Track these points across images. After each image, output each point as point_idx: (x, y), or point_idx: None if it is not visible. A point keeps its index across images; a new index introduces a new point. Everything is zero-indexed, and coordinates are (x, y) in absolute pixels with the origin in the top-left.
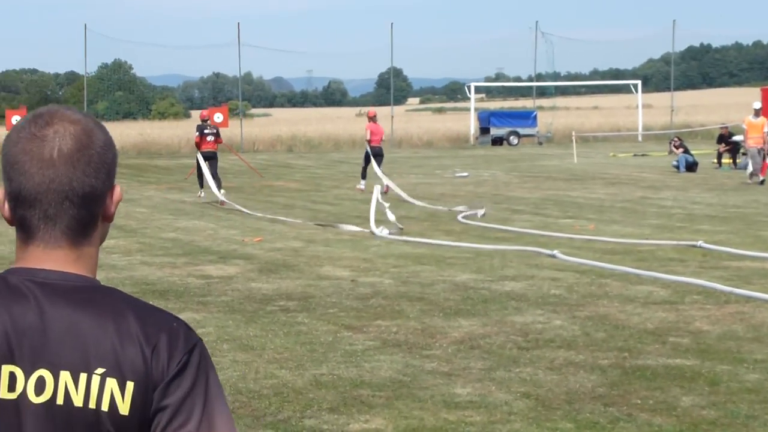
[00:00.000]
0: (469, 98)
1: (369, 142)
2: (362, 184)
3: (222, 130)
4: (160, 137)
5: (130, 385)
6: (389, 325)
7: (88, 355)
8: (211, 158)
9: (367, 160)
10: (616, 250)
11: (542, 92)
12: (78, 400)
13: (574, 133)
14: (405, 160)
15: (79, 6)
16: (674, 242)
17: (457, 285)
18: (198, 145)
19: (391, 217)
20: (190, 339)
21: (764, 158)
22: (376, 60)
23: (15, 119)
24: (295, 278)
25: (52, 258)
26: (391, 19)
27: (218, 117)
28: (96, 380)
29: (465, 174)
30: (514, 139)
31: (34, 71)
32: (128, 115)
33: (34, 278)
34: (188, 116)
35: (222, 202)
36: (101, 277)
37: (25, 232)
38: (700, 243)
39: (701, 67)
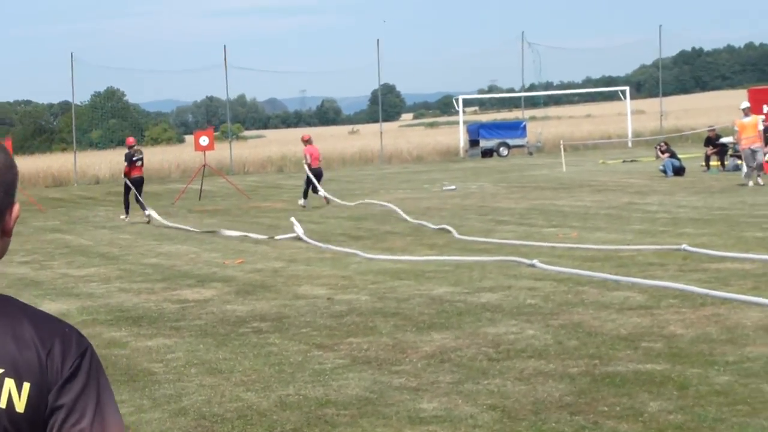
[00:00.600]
0: (457, 111)
1: (309, 165)
2: (303, 202)
3: (211, 154)
4: (150, 163)
5: (26, 386)
6: (361, 342)
7: None
8: (140, 184)
9: (308, 182)
10: (597, 257)
11: (534, 102)
12: None
13: (562, 142)
14: (394, 176)
15: (66, 36)
16: (657, 246)
17: (433, 299)
18: (128, 173)
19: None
20: (81, 344)
21: (765, 157)
22: (369, 77)
23: None
24: (271, 299)
25: None
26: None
27: (204, 140)
28: None
29: (453, 187)
30: (504, 151)
31: (28, 102)
32: (122, 143)
33: None
34: (182, 141)
35: (149, 217)
36: (77, 305)
37: None
38: (684, 246)
39: (693, 71)
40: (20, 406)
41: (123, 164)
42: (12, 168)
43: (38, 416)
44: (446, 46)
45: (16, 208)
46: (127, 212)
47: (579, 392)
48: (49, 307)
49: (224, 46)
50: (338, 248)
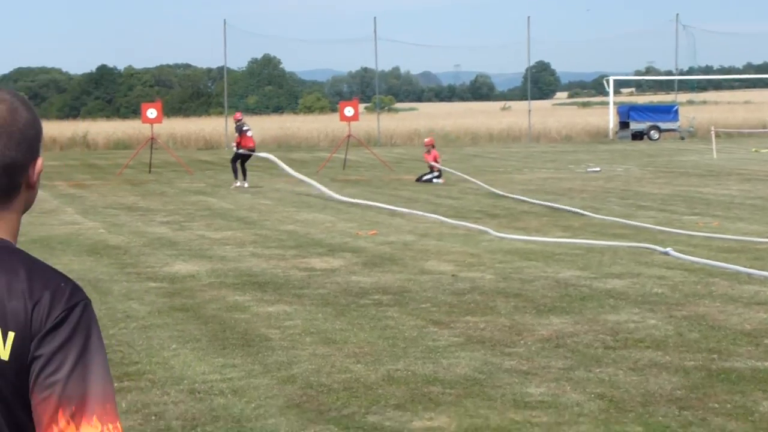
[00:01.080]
0: (613, 92)
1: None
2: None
3: (357, 124)
4: (300, 131)
5: (11, 335)
6: (478, 321)
7: None
8: (250, 154)
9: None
10: (734, 248)
11: (688, 86)
12: None
13: (713, 128)
14: (540, 155)
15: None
16: None
17: (558, 282)
18: (240, 143)
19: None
20: (73, 297)
21: None
22: (524, 54)
23: (150, 113)
24: (397, 272)
25: None
26: (530, 12)
27: (349, 111)
28: None
29: (597, 169)
30: (654, 134)
31: (187, 66)
32: (277, 109)
33: None
34: (335, 110)
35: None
36: (207, 267)
37: None
38: None
39: None
40: (4, 355)
41: (235, 135)
42: (35, 124)
43: (22, 365)
44: (604, 25)
45: (39, 162)
46: (236, 177)
47: (691, 386)
48: (180, 268)
49: (374, 18)
50: (471, 225)
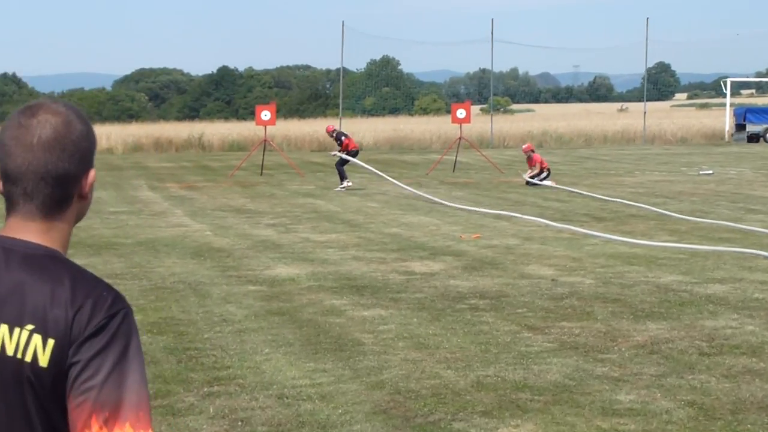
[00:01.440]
0: (732, 93)
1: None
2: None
3: (470, 126)
4: (413, 133)
5: (51, 342)
6: (573, 326)
7: (24, 313)
8: (356, 155)
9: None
10: None
11: None
12: (10, 350)
13: None
14: (653, 157)
15: (339, 4)
16: None
17: (658, 287)
18: (347, 147)
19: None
20: (115, 306)
21: None
22: (642, 55)
23: (264, 114)
24: (496, 276)
25: (26, 229)
26: (650, 12)
27: (461, 113)
28: (25, 335)
29: (710, 172)
30: None
31: (306, 67)
32: (393, 111)
33: (2, 244)
34: (449, 111)
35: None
36: (308, 270)
37: (9, 205)
38: None
39: None
40: (44, 361)
41: (337, 145)
42: (88, 136)
43: (59, 371)
44: (725, 25)
45: (92, 174)
46: (344, 178)
47: None
48: (281, 271)
49: (492, 19)
50: (575, 228)
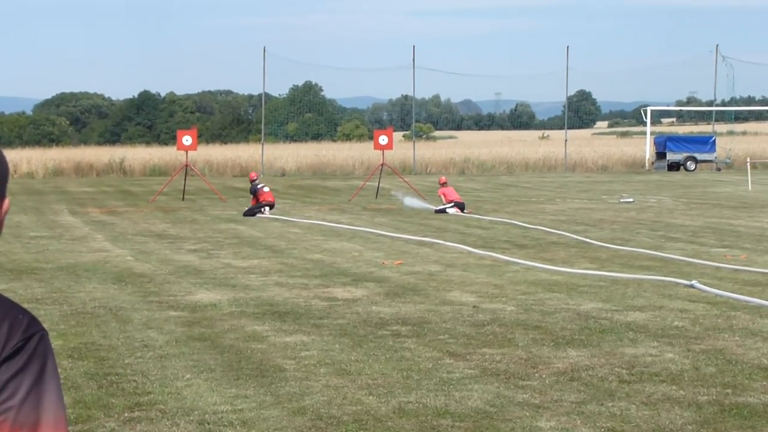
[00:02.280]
0: (653, 122)
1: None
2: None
3: (393, 153)
4: (336, 159)
5: None
6: (494, 353)
7: None
8: (272, 207)
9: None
10: (760, 281)
11: (725, 117)
12: None
13: (749, 160)
14: (574, 185)
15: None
16: None
17: (579, 314)
18: (261, 201)
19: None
20: (31, 328)
21: None
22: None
23: (186, 140)
24: (419, 303)
25: None
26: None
27: (383, 139)
28: None
29: (630, 200)
30: (691, 165)
31: (228, 92)
32: (316, 137)
33: None
34: (371, 138)
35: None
36: (230, 296)
37: None
38: None
39: None
40: None
41: (251, 197)
42: (2, 164)
43: None
44: (644, 55)
45: (6, 202)
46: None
47: (703, 421)
48: (203, 296)
49: (413, 46)
50: (497, 255)
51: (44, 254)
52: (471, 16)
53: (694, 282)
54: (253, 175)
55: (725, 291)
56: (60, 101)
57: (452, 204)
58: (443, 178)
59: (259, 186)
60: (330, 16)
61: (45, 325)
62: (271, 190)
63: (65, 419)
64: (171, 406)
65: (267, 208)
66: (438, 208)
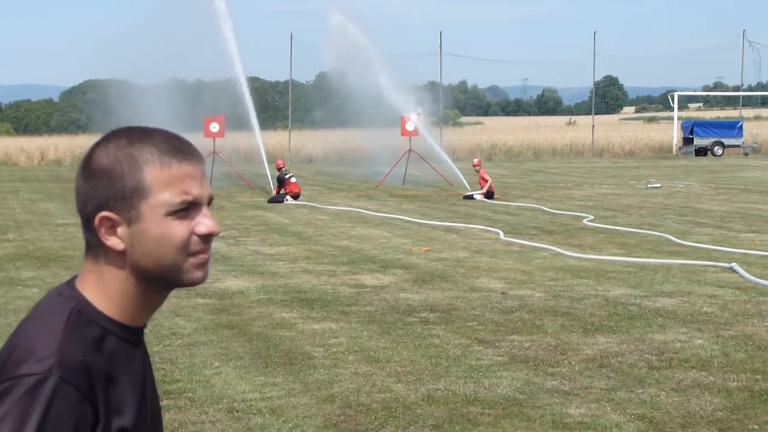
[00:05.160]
0: (680, 107)
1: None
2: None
3: (419, 138)
4: (363, 144)
5: None
6: (523, 340)
7: None
8: (297, 198)
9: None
10: None
11: (755, 102)
12: None
13: None
14: (602, 170)
15: (288, 16)
16: None
17: (608, 300)
18: (287, 192)
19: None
20: (23, 369)
21: None
22: (590, 68)
23: (213, 126)
24: (447, 289)
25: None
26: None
27: (410, 125)
28: None
29: (658, 185)
30: (718, 150)
31: (256, 79)
32: (344, 124)
33: None
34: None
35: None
36: (258, 283)
37: None
38: None
39: None
40: None
41: (275, 186)
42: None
43: None
44: (671, 41)
45: (98, 216)
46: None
47: (733, 407)
48: (231, 284)
49: (440, 32)
50: (524, 242)
51: (72, 242)
52: (498, 2)
53: (733, 264)
54: (280, 162)
55: (753, 276)
56: (86, 89)
57: (482, 191)
58: (478, 160)
59: (287, 176)
60: (357, 0)
61: None
62: (297, 180)
63: None
64: (200, 394)
65: (290, 198)
66: (467, 195)
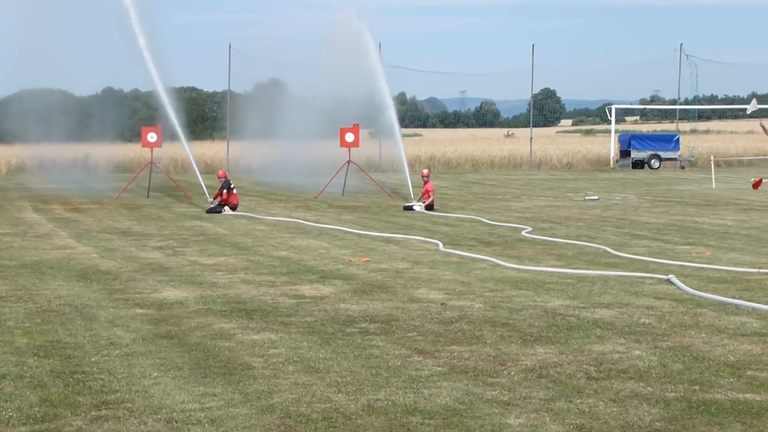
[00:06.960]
0: (617, 120)
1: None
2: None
3: (359, 150)
4: (301, 156)
5: None
6: (463, 350)
7: None
8: (234, 209)
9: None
10: (725, 278)
11: (688, 116)
12: None
13: (712, 158)
14: (540, 183)
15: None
16: None
17: (546, 311)
18: (226, 200)
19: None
20: None
21: None
22: (529, 81)
23: (150, 136)
24: (386, 300)
25: None
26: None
27: (349, 137)
28: None
29: (595, 197)
30: (655, 163)
31: (193, 89)
32: (282, 134)
33: None
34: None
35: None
36: (197, 294)
37: None
38: None
39: None
40: None
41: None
42: None
43: None
44: (609, 54)
45: None
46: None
47: (671, 418)
48: (169, 294)
49: (379, 44)
50: (463, 253)
51: (8, 251)
52: (436, 14)
53: (670, 276)
54: (222, 172)
55: (690, 288)
56: (22, 97)
57: (420, 202)
58: (427, 171)
59: (231, 186)
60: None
61: (9, 324)
62: (237, 192)
63: None
64: (138, 404)
65: (228, 208)
66: (407, 205)
